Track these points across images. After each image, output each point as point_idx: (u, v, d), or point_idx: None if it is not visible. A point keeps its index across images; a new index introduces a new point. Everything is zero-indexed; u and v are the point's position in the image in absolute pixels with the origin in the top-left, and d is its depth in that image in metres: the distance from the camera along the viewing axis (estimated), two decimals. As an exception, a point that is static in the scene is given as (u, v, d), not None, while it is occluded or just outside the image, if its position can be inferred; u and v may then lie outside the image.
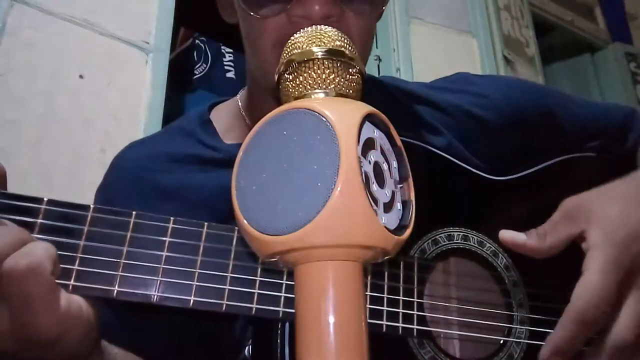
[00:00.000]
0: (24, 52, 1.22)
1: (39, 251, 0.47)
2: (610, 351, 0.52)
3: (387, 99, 0.79)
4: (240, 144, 0.43)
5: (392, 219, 0.43)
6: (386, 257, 0.44)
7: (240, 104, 0.80)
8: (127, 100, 1.35)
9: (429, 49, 2.05)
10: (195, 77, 1.93)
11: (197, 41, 1.97)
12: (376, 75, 1.31)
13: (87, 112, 1.28)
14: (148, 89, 1.38)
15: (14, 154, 1.14)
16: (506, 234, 0.59)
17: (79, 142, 1.24)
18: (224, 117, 0.80)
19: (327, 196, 0.38)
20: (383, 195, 0.42)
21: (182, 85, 1.88)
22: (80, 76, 1.29)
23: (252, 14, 0.64)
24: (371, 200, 0.40)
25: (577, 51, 3.20)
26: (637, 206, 0.56)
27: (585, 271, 0.53)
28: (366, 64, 0.71)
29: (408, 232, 0.44)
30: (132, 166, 0.77)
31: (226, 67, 1.98)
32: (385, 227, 0.41)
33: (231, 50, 1.98)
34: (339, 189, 0.38)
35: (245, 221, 0.41)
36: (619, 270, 0.52)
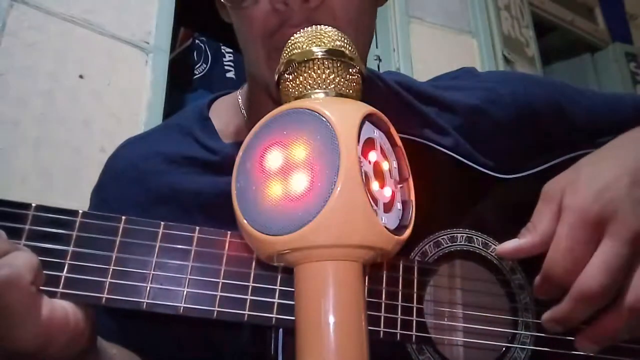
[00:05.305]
0: (24, 52, 1.22)
1: (18, 261, 0.46)
2: (575, 299, 0.51)
3: (392, 98, 0.77)
4: (238, 143, 0.43)
5: (392, 219, 0.43)
6: (386, 258, 0.44)
7: (240, 100, 0.78)
8: (127, 100, 1.35)
9: (429, 48, 2.05)
10: (195, 77, 1.93)
11: (197, 41, 1.96)
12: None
13: (87, 112, 1.27)
14: (148, 88, 1.38)
15: (14, 154, 1.14)
16: (501, 248, 0.57)
17: (79, 142, 1.24)
18: (223, 113, 0.78)
19: (327, 196, 0.39)
20: (383, 195, 0.42)
21: (182, 85, 1.88)
22: (80, 76, 1.29)
23: (235, 5, 0.63)
24: (371, 200, 0.40)
25: (577, 51, 3.19)
26: (608, 164, 0.55)
27: (556, 235, 0.52)
28: (367, 53, 0.67)
29: (408, 232, 0.44)
30: (126, 167, 0.75)
31: (226, 67, 1.97)
32: (385, 227, 0.41)
33: (231, 50, 1.98)
34: (339, 189, 0.39)
35: (245, 221, 0.41)
36: (586, 225, 0.51)
